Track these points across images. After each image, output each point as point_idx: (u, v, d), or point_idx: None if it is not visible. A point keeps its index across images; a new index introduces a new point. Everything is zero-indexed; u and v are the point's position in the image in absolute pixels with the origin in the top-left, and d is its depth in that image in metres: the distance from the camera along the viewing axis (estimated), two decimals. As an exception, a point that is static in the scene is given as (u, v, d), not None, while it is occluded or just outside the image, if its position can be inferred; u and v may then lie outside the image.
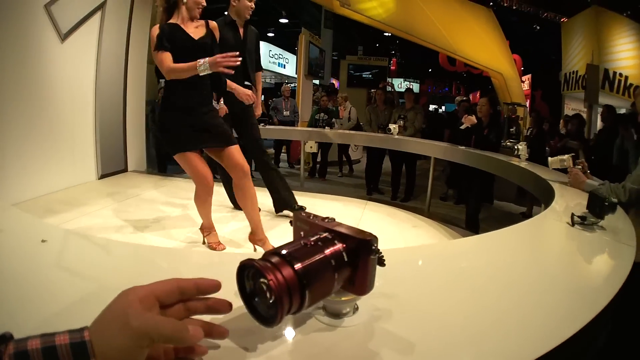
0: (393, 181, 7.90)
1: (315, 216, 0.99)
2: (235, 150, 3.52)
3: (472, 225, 5.42)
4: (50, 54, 5.61)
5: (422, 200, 6.48)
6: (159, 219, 4.51)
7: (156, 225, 4.35)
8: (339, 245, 0.87)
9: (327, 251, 0.86)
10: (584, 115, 10.09)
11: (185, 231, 4.18)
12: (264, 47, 18.19)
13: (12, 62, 5.16)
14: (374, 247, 0.87)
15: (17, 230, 1.96)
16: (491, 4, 14.34)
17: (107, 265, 1.59)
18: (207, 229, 3.80)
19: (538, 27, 18.67)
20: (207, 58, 3.00)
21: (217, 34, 3.59)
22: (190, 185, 6.03)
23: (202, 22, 3.52)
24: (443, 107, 32.20)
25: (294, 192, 5.04)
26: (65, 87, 5.86)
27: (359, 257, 0.87)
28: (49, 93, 5.65)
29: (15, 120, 5.22)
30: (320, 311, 1.00)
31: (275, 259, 0.81)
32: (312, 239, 0.88)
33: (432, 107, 27.59)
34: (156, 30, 3.27)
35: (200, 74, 3.04)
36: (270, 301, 0.79)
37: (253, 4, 4.18)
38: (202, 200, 3.65)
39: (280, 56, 19.72)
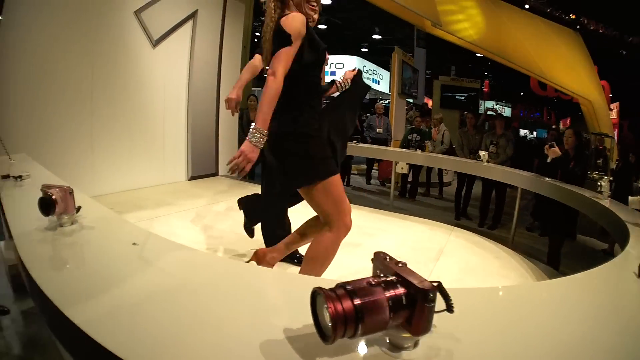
0: (481, 207, 7.74)
1: (391, 259, 1.11)
2: None
3: (553, 260, 5.29)
4: (142, 59, 5.99)
5: (509, 229, 6.39)
6: (240, 227, 4.62)
7: (237, 233, 4.37)
8: (400, 290, 1.00)
9: (388, 293, 0.98)
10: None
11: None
12: (357, 61, 18.28)
13: (106, 64, 5.55)
14: (430, 297, 0.98)
15: (112, 230, 2.12)
16: (578, 27, 13.89)
17: (188, 274, 1.69)
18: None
19: (625, 53, 17.82)
20: (253, 143, 2.32)
21: None
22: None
23: None
24: (534, 133, 31.37)
25: (384, 211, 5.14)
26: (158, 91, 6.24)
27: (417, 303, 0.99)
28: (141, 96, 6.03)
29: (108, 119, 5.62)
30: (385, 339, 1.11)
31: (340, 292, 0.97)
32: (378, 280, 1.01)
33: (522, 132, 26.86)
34: (304, 19, 2.48)
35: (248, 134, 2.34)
36: (330, 324, 0.95)
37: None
38: (333, 250, 2.67)
39: (374, 72, 19.67)
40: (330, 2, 13.98)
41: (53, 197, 1.97)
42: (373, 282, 1.00)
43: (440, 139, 9.21)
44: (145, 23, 5.96)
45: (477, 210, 7.91)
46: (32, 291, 1.56)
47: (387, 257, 1.11)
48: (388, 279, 1.02)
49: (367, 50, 22.01)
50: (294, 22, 2.40)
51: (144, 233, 2.08)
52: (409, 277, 1.01)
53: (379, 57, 20.29)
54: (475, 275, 3.97)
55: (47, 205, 1.97)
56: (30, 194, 2.54)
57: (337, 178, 2.61)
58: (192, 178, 6.80)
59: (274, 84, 2.33)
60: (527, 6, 12.63)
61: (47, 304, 1.34)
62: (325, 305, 0.95)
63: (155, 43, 6.16)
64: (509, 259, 4.61)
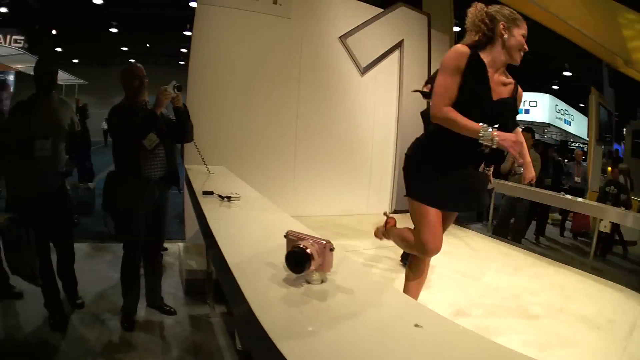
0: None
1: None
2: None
3: None
4: (350, 86, 6.06)
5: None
6: (448, 272, 4.44)
7: (437, 272, 4.28)
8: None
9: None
10: None
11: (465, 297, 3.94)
12: (549, 100, 17.51)
13: (312, 87, 5.70)
14: None
15: (378, 298, 1.57)
16: None
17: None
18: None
19: None
20: (497, 131, 2.24)
21: (519, 102, 2.67)
22: (483, 243, 5.75)
23: (513, 81, 2.58)
24: None
25: (581, 271, 5.11)
26: (367, 120, 6.28)
27: None
28: (349, 122, 6.11)
29: (312, 141, 5.77)
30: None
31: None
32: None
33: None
34: (461, 51, 2.42)
35: (480, 141, 2.28)
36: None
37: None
38: (409, 245, 2.93)
39: (566, 112, 18.74)
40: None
41: (308, 250, 1.54)
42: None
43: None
44: (351, 49, 6.05)
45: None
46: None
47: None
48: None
49: (558, 87, 20.74)
50: (447, 53, 2.46)
51: (428, 312, 1.49)
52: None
53: (569, 96, 19.20)
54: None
55: (301, 262, 1.54)
56: (247, 222, 2.54)
57: (429, 209, 2.62)
58: (396, 211, 6.55)
59: (437, 115, 2.41)
60: None
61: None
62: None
63: (364, 70, 6.23)
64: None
